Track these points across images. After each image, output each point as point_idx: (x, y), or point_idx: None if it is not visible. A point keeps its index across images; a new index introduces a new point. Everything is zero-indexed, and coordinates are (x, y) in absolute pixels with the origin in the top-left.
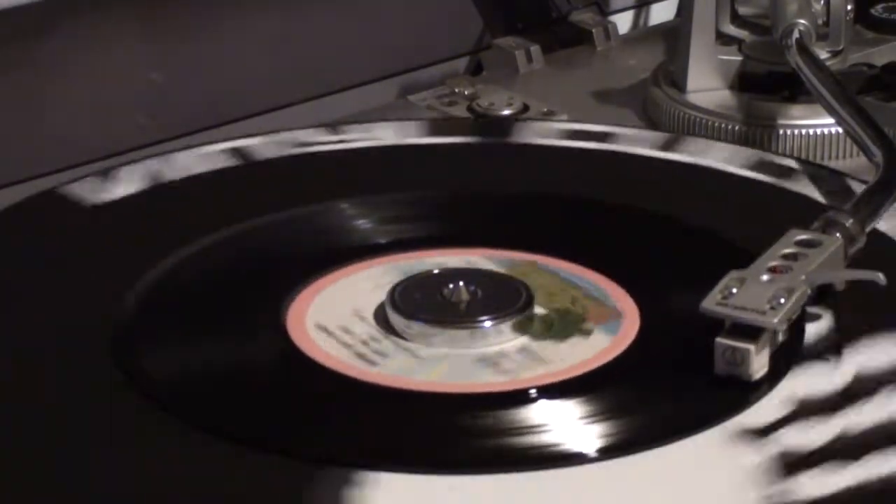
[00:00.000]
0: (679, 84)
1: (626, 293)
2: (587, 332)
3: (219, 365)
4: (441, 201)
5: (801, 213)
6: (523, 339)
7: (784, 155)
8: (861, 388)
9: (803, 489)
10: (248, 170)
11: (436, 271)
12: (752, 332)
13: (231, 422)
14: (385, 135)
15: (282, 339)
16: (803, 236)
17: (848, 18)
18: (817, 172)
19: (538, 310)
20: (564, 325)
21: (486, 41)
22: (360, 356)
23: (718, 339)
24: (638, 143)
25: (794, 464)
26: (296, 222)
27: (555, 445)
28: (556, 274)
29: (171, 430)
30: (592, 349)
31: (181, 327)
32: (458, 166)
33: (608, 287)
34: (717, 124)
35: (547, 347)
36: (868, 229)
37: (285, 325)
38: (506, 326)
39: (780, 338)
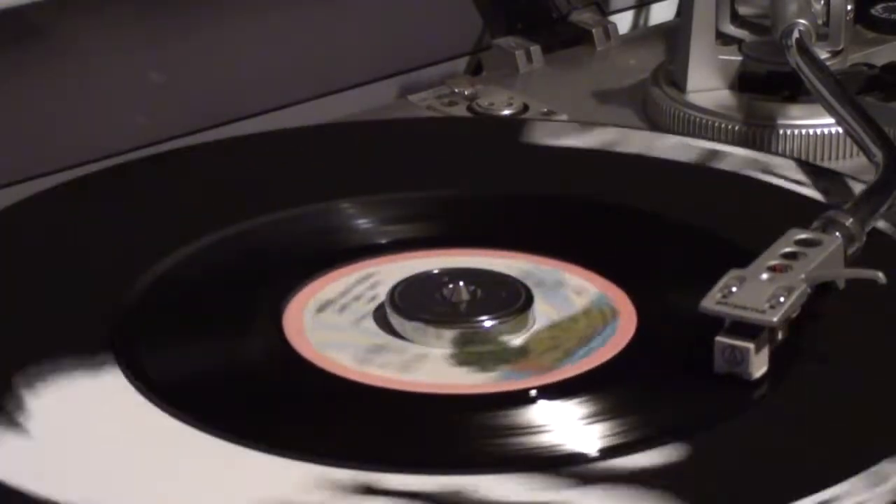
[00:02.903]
0: (679, 84)
1: (625, 293)
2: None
3: (218, 365)
4: (441, 201)
5: (802, 212)
6: (522, 339)
7: (784, 155)
8: None
9: None
10: (249, 169)
11: (436, 271)
12: (751, 331)
13: (230, 422)
14: None
15: (281, 339)
16: (803, 235)
17: (848, 18)
18: (817, 172)
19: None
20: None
21: (486, 41)
22: (360, 357)
23: (718, 338)
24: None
25: None
26: (296, 222)
27: (555, 446)
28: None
29: (171, 430)
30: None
31: (181, 327)
32: (459, 166)
33: (607, 287)
34: (717, 124)
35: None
36: (868, 229)
37: (285, 325)
38: (505, 326)
39: (780, 336)
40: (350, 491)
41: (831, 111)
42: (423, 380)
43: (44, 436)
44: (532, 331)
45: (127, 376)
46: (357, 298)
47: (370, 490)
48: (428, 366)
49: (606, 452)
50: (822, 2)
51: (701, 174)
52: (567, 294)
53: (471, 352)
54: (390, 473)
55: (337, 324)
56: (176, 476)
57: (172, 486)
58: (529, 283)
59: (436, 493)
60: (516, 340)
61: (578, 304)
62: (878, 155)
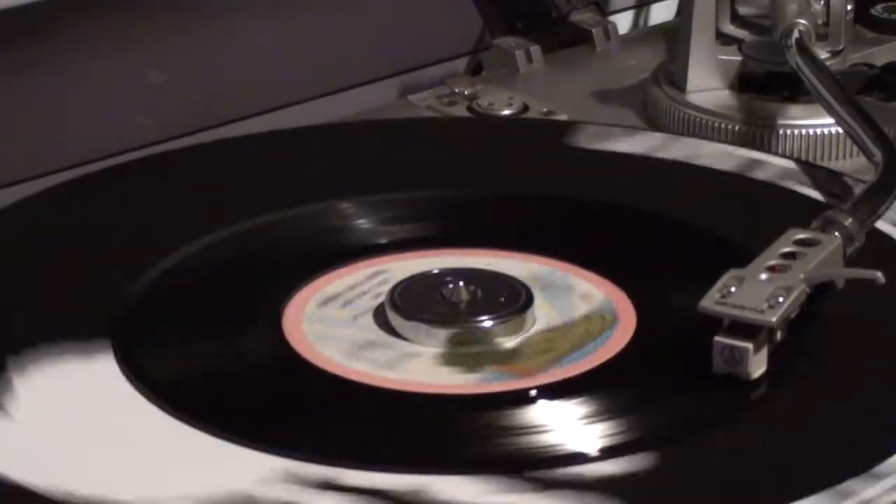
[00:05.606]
0: (679, 84)
1: (624, 293)
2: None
3: (218, 365)
4: (441, 201)
5: (801, 212)
6: (521, 339)
7: (783, 155)
8: None
9: None
10: (251, 169)
11: (436, 271)
12: (750, 331)
13: (230, 422)
14: None
15: (281, 339)
16: (802, 235)
17: (848, 18)
18: (817, 172)
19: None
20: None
21: (486, 41)
22: (360, 357)
23: (717, 338)
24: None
25: None
26: (296, 222)
27: (554, 446)
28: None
29: (171, 429)
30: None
31: (180, 327)
32: (459, 166)
33: (606, 287)
34: (717, 124)
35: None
36: (867, 229)
37: (285, 325)
38: (505, 326)
39: (779, 336)
40: (312, 486)
41: (831, 111)
42: (409, 378)
43: (27, 419)
44: (529, 332)
45: (122, 369)
46: (356, 299)
47: (330, 486)
48: (415, 365)
49: (605, 453)
50: (822, 2)
51: (702, 175)
52: (569, 295)
53: (461, 352)
54: (353, 470)
55: (335, 324)
56: (149, 462)
57: (145, 472)
58: (530, 284)
59: (393, 491)
60: (510, 342)
61: (580, 307)
62: (878, 155)
